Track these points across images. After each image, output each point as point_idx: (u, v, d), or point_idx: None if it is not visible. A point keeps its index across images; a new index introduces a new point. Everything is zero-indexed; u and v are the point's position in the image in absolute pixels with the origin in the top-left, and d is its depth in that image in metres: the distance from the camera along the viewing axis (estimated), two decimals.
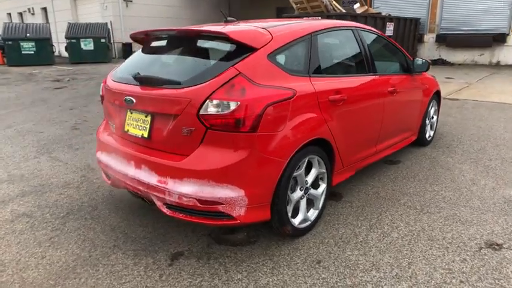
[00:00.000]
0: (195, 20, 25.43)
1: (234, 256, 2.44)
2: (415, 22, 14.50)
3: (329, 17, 11.06)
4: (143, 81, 2.44)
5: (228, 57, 2.30)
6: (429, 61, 3.88)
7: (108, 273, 2.29)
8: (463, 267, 2.27)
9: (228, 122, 2.11)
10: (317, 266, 2.32)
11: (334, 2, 11.46)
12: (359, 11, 12.68)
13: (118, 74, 2.78)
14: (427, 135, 4.53)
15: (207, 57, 2.41)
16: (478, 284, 2.12)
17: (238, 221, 2.22)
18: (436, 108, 4.71)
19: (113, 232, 2.77)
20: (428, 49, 15.53)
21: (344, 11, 11.72)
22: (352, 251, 2.47)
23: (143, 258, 2.44)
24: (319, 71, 2.71)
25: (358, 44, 3.23)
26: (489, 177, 3.61)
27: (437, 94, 4.65)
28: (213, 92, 2.13)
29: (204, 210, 2.20)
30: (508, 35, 13.45)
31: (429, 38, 15.43)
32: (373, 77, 3.24)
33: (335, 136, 2.71)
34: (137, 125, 2.50)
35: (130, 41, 23.22)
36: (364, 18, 11.52)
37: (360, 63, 3.21)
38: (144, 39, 2.86)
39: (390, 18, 12.66)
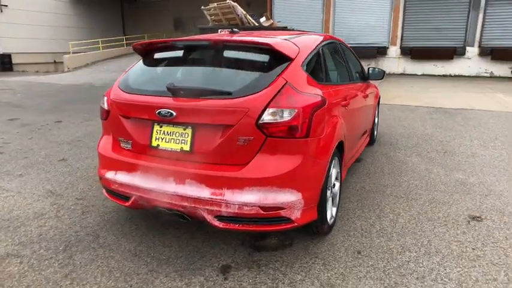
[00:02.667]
0: (89, 29, 23.54)
1: (282, 260, 2.50)
2: None
3: (244, 29, 11.52)
4: (183, 92, 2.33)
5: (271, 67, 2.38)
6: (384, 70, 4.49)
7: None
8: (467, 238, 2.76)
9: (286, 129, 2.19)
10: (359, 255, 2.54)
11: (248, 16, 11.98)
12: (265, 24, 13.49)
13: (133, 86, 2.58)
14: (375, 135, 5.19)
15: (251, 67, 2.45)
16: (485, 248, 2.62)
17: (295, 223, 2.30)
18: (378, 111, 5.42)
19: (138, 257, 2.55)
20: None
21: (257, 24, 12.34)
22: (379, 238, 2.76)
23: (192, 278, 2.32)
24: (329, 79, 2.97)
25: (342, 56, 3.60)
26: (437, 166, 4.34)
27: (379, 99, 5.36)
28: (270, 100, 2.20)
29: (265, 216, 2.23)
30: (388, 48, 15.87)
31: None
32: (355, 84, 3.64)
33: (345, 138, 2.99)
34: (172, 139, 2.38)
35: (8, 51, 20.25)
36: (273, 30, 12.31)
37: (346, 72, 3.58)
38: (151, 48, 2.71)
39: (298, 31, 13.75)
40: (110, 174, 2.60)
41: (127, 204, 2.59)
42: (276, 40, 2.54)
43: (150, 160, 2.44)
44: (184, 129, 2.35)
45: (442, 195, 3.51)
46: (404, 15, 15.49)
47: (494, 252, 2.57)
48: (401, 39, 15.77)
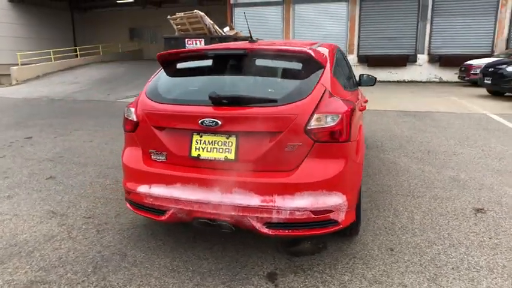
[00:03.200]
0: (37, 39, 22.17)
1: (323, 263, 2.55)
2: None
3: (212, 39, 11.54)
4: (226, 101, 2.31)
5: (308, 74, 2.44)
6: (375, 77, 4.73)
7: None
8: (480, 229, 2.98)
9: (332, 134, 2.26)
10: (393, 252, 2.66)
11: (215, 26, 12.00)
12: (229, 34, 13.58)
13: (167, 96, 2.52)
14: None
15: (289, 75, 2.49)
16: (499, 237, 2.85)
17: (341, 225, 2.37)
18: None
19: (177, 272, 2.47)
20: None
21: (224, 33, 12.39)
22: (404, 235, 2.90)
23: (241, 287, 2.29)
24: (346, 85, 3.09)
25: (346, 62, 3.76)
26: (427, 165, 4.64)
27: None
28: (316, 106, 2.26)
29: (315, 220, 2.27)
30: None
31: None
32: (358, 89, 3.81)
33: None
34: (214, 148, 2.35)
35: None
36: (241, 40, 12.43)
37: (352, 78, 3.74)
38: (179, 57, 2.67)
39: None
40: (142, 188, 2.50)
41: (162, 218, 2.50)
42: (309, 48, 2.61)
43: (191, 171, 2.39)
44: (228, 138, 2.33)
45: (443, 192, 3.76)
46: (360, 25, 16.34)
47: (509, 240, 2.81)
48: (358, 47, 16.60)
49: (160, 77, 2.73)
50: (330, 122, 2.26)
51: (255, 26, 17.21)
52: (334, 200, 2.28)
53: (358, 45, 16.56)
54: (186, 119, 2.38)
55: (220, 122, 2.28)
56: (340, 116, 2.29)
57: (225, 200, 2.28)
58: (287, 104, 2.26)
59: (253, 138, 2.29)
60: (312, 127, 2.23)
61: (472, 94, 11.24)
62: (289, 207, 2.21)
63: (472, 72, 12.90)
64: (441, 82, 15.42)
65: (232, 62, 2.61)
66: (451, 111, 8.29)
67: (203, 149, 2.38)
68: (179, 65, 2.70)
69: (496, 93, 10.62)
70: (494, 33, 14.59)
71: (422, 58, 15.67)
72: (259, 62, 2.53)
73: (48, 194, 3.85)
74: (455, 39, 15.06)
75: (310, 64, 2.46)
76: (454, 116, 7.71)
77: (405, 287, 2.28)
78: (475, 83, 12.84)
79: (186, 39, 11.51)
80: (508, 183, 3.96)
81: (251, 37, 3.09)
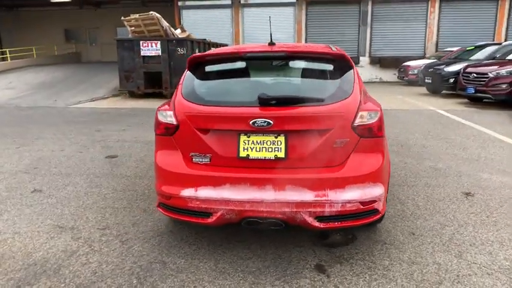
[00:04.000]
0: None
1: (361, 251, 2.72)
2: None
3: (169, 41, 11.29)
4: (275, 102, 2.38)
5: (342, 74, 2.60)
6: None
7: None
8: (476, 209, 3.38)
9: (373, 129, 2.45)
10: (415, 236, 2.92)
11: (172, 28, 11.74)
12: (181, 36, 13.40)
13: (209, 98, 2.52)
14: None
15: (326, 75, 2.62)
16: (494, 215, 3.26)
17: (380, 214, 2.56)
18: None
19: (227, 274, 2.48)
20: None
21: (179, 36, 12.17)
22: (417, 220, 3.19)
23: (299, 281, 2.38)
24: None
25: None
26: (406, 157, 5.07)
27: None
28: (359, 104, 2.42)
29: (363, 211, 2.43)
30: None
31: None
32: None
33: None
34: (264, 148, 2.41)
35: None
36: (198, 43, 12.34)
37: None
38: (214, 59, 2.67)
39: (216, 44, 14.00)
40: (187, 192, 2.46)
41: (209, 221, 2.49)
42: (338, 50, 2.77)
43: (241, 171, 2.42)
44: (276, 137, 2.40)
45: (431, 180, 4.17)
46: (306, 29, 17.04)
47: (503, 217, 3.23)
48: None
49: (194, 79, 2.70)
50: (371, 118, 2.44)
51: (204, 28, 17.13)
52: (378, 190, 2.46)
53: None
54: (234, 120, 2.40)
55: (272, 122, 2.34)
56: (378, 113, 2.48)
57: (279, 197, 2.35)
58: (334, 103, 2.40)
59: (302, 136, 2.39)
60: (358, 124, 2.40)
61: (414, 93, 12.34)
62: (341, 200, 2.35)
63: (410, 72, 14.16)
64: (382, 82, 16.67)
65: (271, 64, 2.68)
66: (403, 108, 9.05)
67: (252, 149, 2.42)
68: (215, 67, 2.70)
69: (435, 91, 11.79)
70: (425, 37, 16.14)
71: (364, 60, 16.81)
72: (298, 64, 2.64)
73: (42, 208, 3.55)
74: (393, 42, 16.40)
75: (344, 65, 2.63)
76: (408, 113, 8.45)
77: (439, 265, 2.54)
78: (412, 83, 14.12)
79: (141, 42, 11.13)
80: (479, 169, 4.49)
81: (271, 40, 3.16)
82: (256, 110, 2.39)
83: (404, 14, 16.15)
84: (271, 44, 3.14)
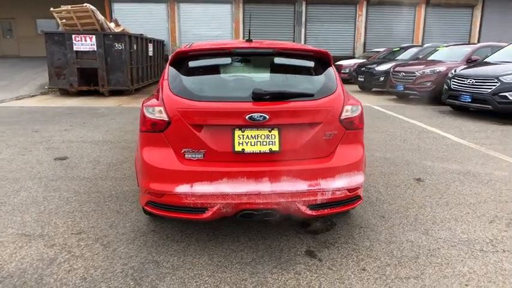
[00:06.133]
0: None
1: (343, 236, 2.93)
2: (162, 44, 15.99)
3: (106, 36, 10.66)
4: (269, 96, 2.45)
5: (324, 70, 2.77)
6: None
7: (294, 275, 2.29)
8: (429, 193, 3.81)
9: (357, 122, 2.66)
10: (386, 219, 3.22)
11: (108, 22, 11.07)
12: (116, 30, 12.74)
13: (201, 94, 2.51)
14: None
15: (310, 71, 2.75)
16: (445, 196, 3.71)
17: (361, 200, 2.78)
18: None
19: (225, 267, 2.51)
20: None
21: (116, 30, 11.53)
22: (383, 205, 3.51)
23: (295, 267, 2.50)
24: None
25: None
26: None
27: None
28: (344, 99, 2.61)
29: (350, 197, 2.63)
30: None
31: None
32: None
33: None
34: (258, 142, 2.48)
35: None
36: (136, 39, 11.83)
37: None
38: (202, 54, 2.67)
39: (154, 40, 13.52)
40: (182, 188, 2.44)
41: (204, 216, 2.49)
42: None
43: (237, 165, 2.46)
44: (270, 131, 2.49)
45: (384, 169, 4.58)
46: (243, 27, 17.24)
47: (452, 198, 3.69)
48: None
49: (181, 74, 2.66)
50: (354, 112, 2.65)
51: (138, 23, 16.47)
52: (361, 178, 2.68)
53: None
54: (230, 115, 2.43)
55: (268, 116, 2.42)
56: (359, 107, 2.70)
57: (275, 188, 2.44)
58: (323, 97, 2.55)
59: (295, 129, 2.51)
60: (344, 117, 2.59)
61: (348, 90, 13.19)
62: (332, 188, 2.52)
63: (343, 71, 15.11)
64: None
65: (259, 60, 2.74)
66: None
67: (247, 143, 2.47)
68: (203, 62, 2.70)
69: (367, 88, 12.76)
70: (354, 38, 17.33)
71: None
72: (285, 60, 2.74)
73: None
74: (326, 42, 17.32)
75: (326, 62, 2.80)
76: None
77: (412, 242, 2.84)
78: (344, 81, 15.08)
79: (74, 36, 10.36)
80: (422, 158, 5.04)
81: (249, 37, 3.21)
82: (251, 104, 2.45)
83: (335, 15, 17.17)
84: (249, 40, 3.21)
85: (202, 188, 2.43)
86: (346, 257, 2.64)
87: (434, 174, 4.39)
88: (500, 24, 17.06)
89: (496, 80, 7.21)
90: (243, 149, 2.48)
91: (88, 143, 5.72)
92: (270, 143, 2.49)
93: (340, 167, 2.56)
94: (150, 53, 13.82)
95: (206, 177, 2.44)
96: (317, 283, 2.34)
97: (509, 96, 7.02)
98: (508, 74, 7.13)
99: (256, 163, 2.49)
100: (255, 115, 2.41)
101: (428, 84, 9.34)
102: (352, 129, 2.65)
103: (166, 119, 2.48)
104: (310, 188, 2.48)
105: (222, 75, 2.77)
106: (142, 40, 12.61)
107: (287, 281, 2.36)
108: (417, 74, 9.54)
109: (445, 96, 8.36)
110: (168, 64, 2.83)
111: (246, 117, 2.41)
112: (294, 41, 17.32)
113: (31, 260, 2.56)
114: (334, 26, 17.25)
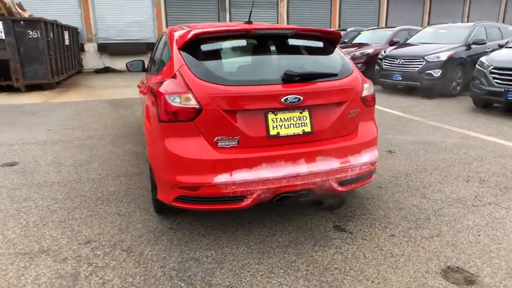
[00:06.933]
0: None
1: (358, 209, 3.09)
2: (76, 32, 14.51)
3: (16, 22, 9.29)
4: (299, 78, 2.44)
5: (335, 50, 2.83)
6: None
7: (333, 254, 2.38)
8: (406, 162, 4.20)
9: (372, 99, 2.80)
10: (383, 188, 3.48)
11: (16, 6, 9.61)
12: (24, 16, 11.21)
13: (230, 78, 2.39)
14: None
15: (325, 52, 2.77)
16: (420, 163, 4.12)
17: (375, 174, 2.96)
18: None
19: (266, 253, 2.49)
20: (91, 58, 15.99)
21: (26, 16, 10.09)
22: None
23: (331, 243, 2.58)
24: None
25: None
26: None
27: None
28: (362, 78, 2.73)
29: (371, 171, 2.79)
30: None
31: (90, 47, 15.89)
32: None
33: None
34: (291, 124, 2.47)
35: None
36: (52, 25, 10.53)
37: None
38: (220, 37, 2.54)
39: (68, 27, 12.16)
40: (222, 178, 2.32)
41: (242, 204, 2.42)
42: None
43: (274, 149, 2.42)
44: (301, 113, 2.49)
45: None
46: (166, 12, 16.47)
47: (427, 164, 4.11)
48: None
49: (200, 59, 2.49)
50: (370, 89, 2.78)
51: (47, 9, 14.63)
52: (377, 152, 2.85)
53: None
54: (264, 99, 2.37)
55: (302, 98, 2.42)
56: (371, 84, 2.84)
57: (311, 169, 2.47)
58: (345, 77, 2.63)
59: (324, 109, 2.55)
60: (364, 95, 2.70)
61: None
62: (359, 163, 2.64)
63: None
64: None
65: (279, 42, 2.69)
66: None
67: (280, 127, 2.45)
68: (220, 45, 2.56)
69: None
70: (278, 24, 17.75)
71: None
72: (301, 42, 2.74)
73: None
74: None
75: (333, 43, 2.86)
76: None
77: (417, 206, 3.13)
78: None
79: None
80: (381, 132, 5.48)
81: (249, 19, 3.11)
82: (283, 87, 2.41)
83: (258, 1, 17.33)
84: (249, 22, 3.12)
85: (242, 175, 2.35)
86: (371, 226, 2.81)
87: (400, 145, 4.82)
88: (404, 9, 19.06)
89: (421, 60, 8.10)
90: (278, 132, 2.44)
91: (33, 145, 5.02)
92: (303, 124, 2.50)
93: (364, 143, 2.69)
94: (67, 42, 12.45)
95: (245, 164, 2.36)
96: (360, 254, 2.46)
97: (433, 73, 7.95)
98: (431, 54, 8.06)
99: (291, 145, 2.48)
100: (290, 97, 2.39)
101: (359, 65, 10.07)
102: (368, 106, 2.78)
103: (197, 107, 2.32)
104: (342, 165, 2.56)
105: (244, 57, 2.66)
106: (58, 27, 11.27)
107: (333, 255, 2.44)
108: (349, 56, 10.22)
109: (377, 76, 9.13)
110: (176, 48, 2.62)
111: (282, 99, 2.38)
112: None
113: (48, 280, 2.22)
114: (258, 12, 17.42)
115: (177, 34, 2.84)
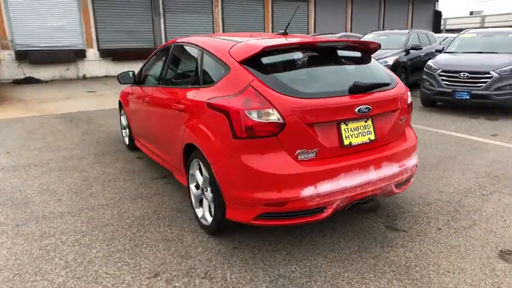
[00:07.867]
0: None
1: (395, 207, 3.31)
2: None
3: None
4: (364, 88, 2.55)
5: (373, 60, 3.01)
6: None
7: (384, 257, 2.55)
8: None
9: (411, 106, 3.03)
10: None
11: None
12: None
13: (305, 90, 2.42)
14: None
15: (367, 61, 2.93)
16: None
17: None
18: None
19: (324, 257, 2.55)
20: (7, 67, 14.21)
21: None
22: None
23: (393, 241, 2.74)
24: None
25: None
26: None
27: None
28: (405, 86, 2.95)
29: (414, 172, 3.01)
30: (86, 50, 15.27)
31: (5, 55, 14.11)
32: None
33: None
34: (359, 133, 2.58)
35: None
36: None
37: None
38: (285, 50, 2.56)
39: None
40: (308, 191, 2.33)
41: (323, 215, 2.46)
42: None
43: (349, 158, 2.50)
44: (366, 122, 2.61)
45: None
46: (95, 17, 15.38)
47: (421, 162, 4.53)
48: (98, 41, 15.65)
49: (270, 72, 2.46)
50: (411, 97, 3.01)
51: None
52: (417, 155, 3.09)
53: (97, 38, 15.58)
54: (340, 110, 2.44)
55: (371, 108, 2.53)
56: (409, 92, 3.07)
57: (380, 174, 2.61)
58: (396, 86, 2.82)
59: (383, 117, 2.71)
60: (409, 102, 2.92)
61: None
62: (411, 165, 2.85)
63: None
64: None
65: (335, 54, 2.77)
66: None
67: (351, 136, 2.54)
68: (286, 57, 2.58)
69: None
70: (213, 28, 17.70)
71: None
72: (354, 53, 2.86)
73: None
74: (188, 33, 17.11)
75: (373, 53, 3.04)
76: None
77: (440, 200, 3.46)
78: None
79: None
80: None
81: (286, 30, 3.12)
82: (353, 97, 2.51)
83: (192, 5, 17.08)
84: (284, 33, 3.15)
85: (325, 187, 2.39)
86: (417, 223, 3.04)
87: None
88: (329, 16, 20.42)
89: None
90: (350, 142, 2.53)
91: (0, 172, 4.35)
92: (368, 132, 2.62)
93: (412, 147, 2.91)
94: None
95: (327, 176, 2.40)
96: (426, 249, 2.66)
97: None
98: (379, 58, 8.78)
99: (361, 153, 2.58)
100: (363, 107, 2.50)
101: None
102: (409, 112, 3.01)
103: (281, 121, 2.29)
104: (400, 169, 2.75)
105: (312, 70, 2.68)
106: None
107: (405, 254, 2.60)
108: None
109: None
110: (236, 62, 2.55)
111: (356, 110, 2.47)
112: (154, 33, 16.51)
113: None
114: (194, 17, 17.18)
115: (226, 47, 2.75)
